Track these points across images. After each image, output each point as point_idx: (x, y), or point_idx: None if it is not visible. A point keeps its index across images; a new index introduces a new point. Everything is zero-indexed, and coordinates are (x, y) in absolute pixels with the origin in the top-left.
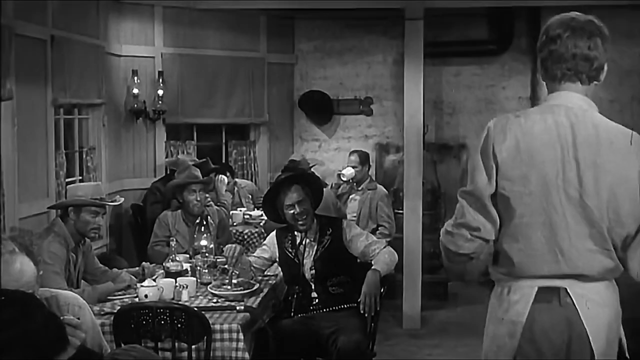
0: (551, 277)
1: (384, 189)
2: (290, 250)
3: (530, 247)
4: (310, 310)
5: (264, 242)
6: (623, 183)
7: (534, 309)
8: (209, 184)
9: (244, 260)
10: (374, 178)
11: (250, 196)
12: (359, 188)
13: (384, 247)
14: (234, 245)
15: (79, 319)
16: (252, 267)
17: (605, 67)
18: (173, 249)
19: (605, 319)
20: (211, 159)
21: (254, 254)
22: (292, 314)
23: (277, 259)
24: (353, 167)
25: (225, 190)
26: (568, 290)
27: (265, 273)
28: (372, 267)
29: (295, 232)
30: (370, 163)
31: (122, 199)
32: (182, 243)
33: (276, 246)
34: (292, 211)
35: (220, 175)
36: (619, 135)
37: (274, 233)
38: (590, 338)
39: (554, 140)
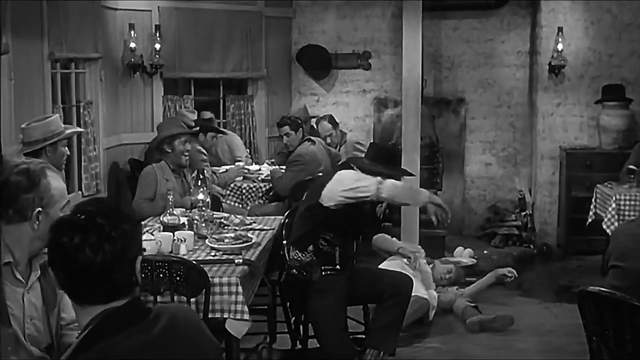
0: None
1: (352, 137)
2: None
3: None
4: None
5: None
6: None
7: None
8: (196, 135)
9: None
10: (345, 131)
11: (247, 150)
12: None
13: None
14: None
15: None
16: None
17: None
18: (170, 202)
19: None
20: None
21: None
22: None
23: None
24: (328, 135)
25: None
26: None
27: (262, 227)
28: None
29: None
30: (337, 121)
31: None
32: (176, 189)
33: None
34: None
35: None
36: None
37: None
38: None
39: None
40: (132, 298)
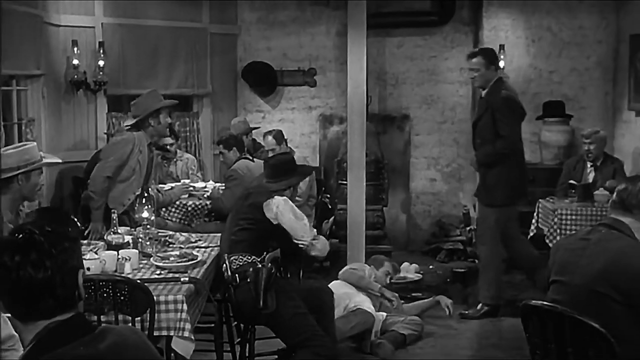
0: None
1: (300, 158)
2: None
3: None
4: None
5: None
6: None
7: None
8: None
9: None
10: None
11: (193, 168)
12: None
13: None
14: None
15: None
16: None
17: None
18: (114, 221)
19: None
20: None
21: None
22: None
23: None
24: (271, 150)
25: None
26: None
27: (208, 245)
28: None
29: None
30: (285, 137)
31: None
32: (142, 164)
33: None
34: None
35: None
36: None
37: None
38: None
39: None
40: (76, 312)
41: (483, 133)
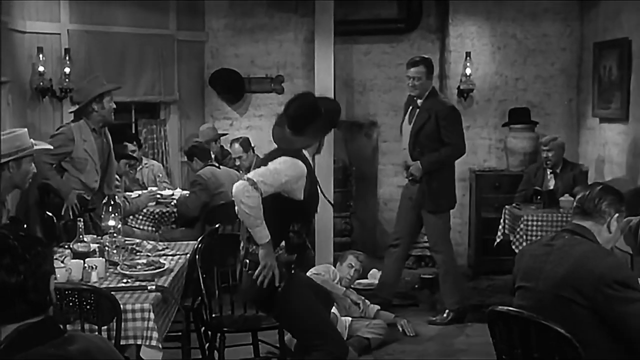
0: None
1: None
2: None
3: None
4: None
5: None
6: None
7: None
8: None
9: None
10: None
11: (160, 175)
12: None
13: None
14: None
15: None
16: None
17: None
18: (80, 229)
19: None
20: (121, 138)
21: None
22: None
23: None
24: (238, 158)
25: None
26: None
27: (175, 253)
28: None
29: None
30: (252, 145)
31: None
32: (91, 152)
33: None
34: None
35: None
36: None
37: None
38: None
39: None
40: (46, 316)
41: (425, 142)
